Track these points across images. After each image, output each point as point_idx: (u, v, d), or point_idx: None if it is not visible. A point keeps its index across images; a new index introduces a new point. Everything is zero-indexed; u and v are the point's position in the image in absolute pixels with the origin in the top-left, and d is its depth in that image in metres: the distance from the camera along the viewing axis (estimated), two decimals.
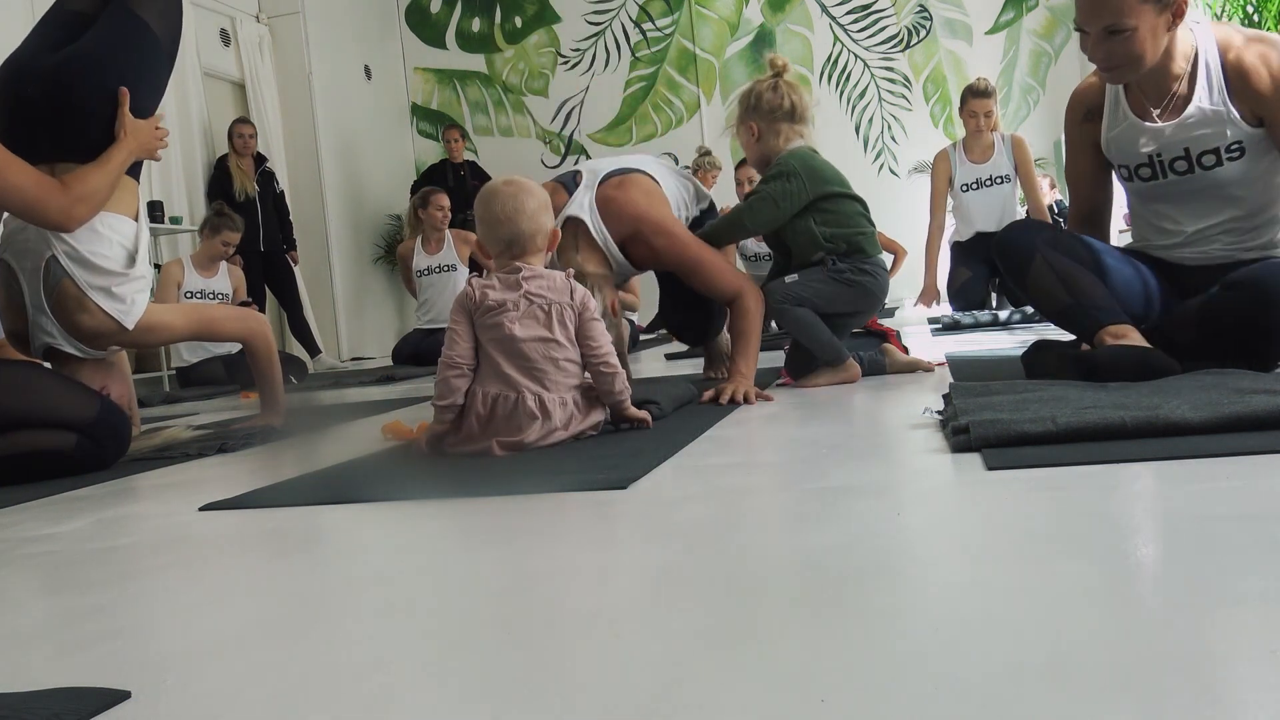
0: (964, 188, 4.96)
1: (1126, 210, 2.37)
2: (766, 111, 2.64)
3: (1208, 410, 1.39)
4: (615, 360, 1.94)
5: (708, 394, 2.36)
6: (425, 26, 9.50)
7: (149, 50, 2.41)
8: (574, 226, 2.51)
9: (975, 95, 4.85)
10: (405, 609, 0.94)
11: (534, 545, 1.15)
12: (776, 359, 2.91)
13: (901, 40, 8.72)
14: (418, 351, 5.78)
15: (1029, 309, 4.02)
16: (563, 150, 9.27)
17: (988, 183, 4.91)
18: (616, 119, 9.20)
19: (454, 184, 7.66)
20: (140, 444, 2.38)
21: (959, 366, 2.65)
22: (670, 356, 4.50)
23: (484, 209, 1.96)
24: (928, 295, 5.05)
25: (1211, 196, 2.10)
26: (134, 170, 2.44)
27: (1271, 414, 1.35)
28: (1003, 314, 4.39)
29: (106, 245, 2.33)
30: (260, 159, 6.83)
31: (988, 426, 1.44)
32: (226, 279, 5.46)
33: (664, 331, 7.01)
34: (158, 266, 5.32)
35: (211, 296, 5.31)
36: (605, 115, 9.22)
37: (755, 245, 5.18)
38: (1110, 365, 1.88)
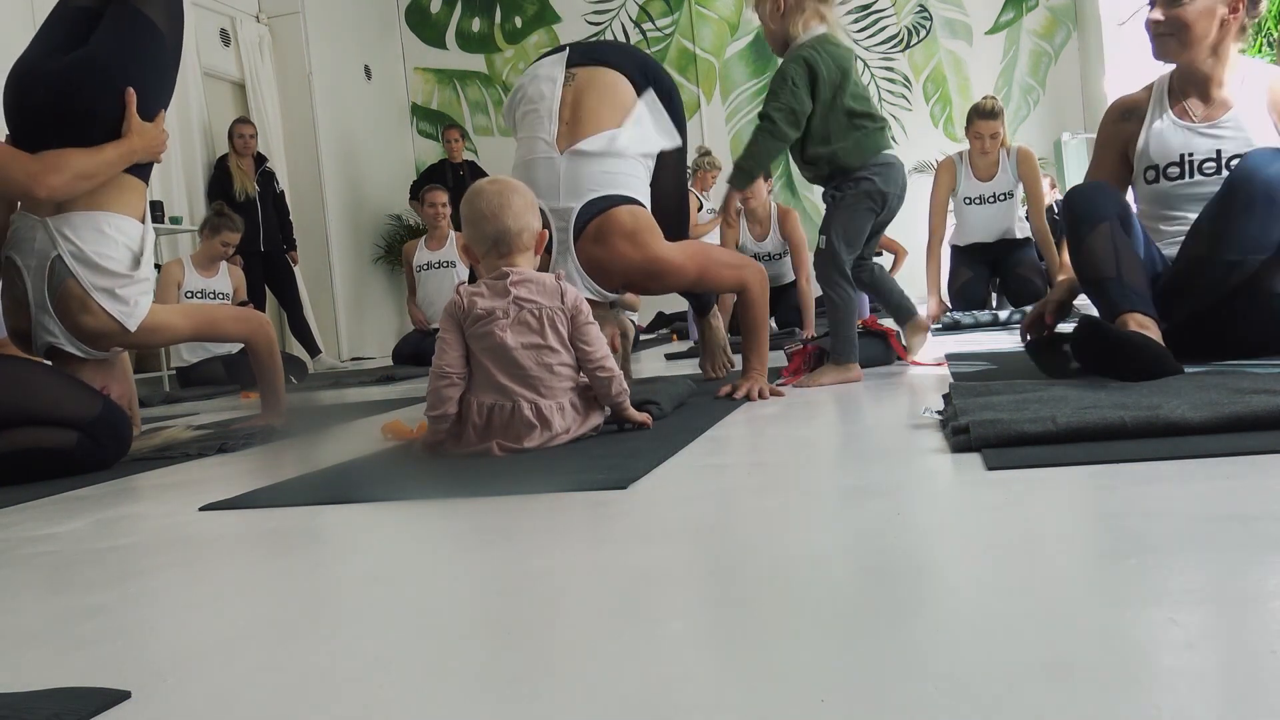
0: (966, 200, 4.91)
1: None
2: None
3: (1208, 410, 1.39)
4: (612, 363, 1.92)
5: (724, 389, 2.41)
6: (425, 26, 9.50)
7: (156, 50, 2.40)
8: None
9: (981, 116, 4.67)
10: (405, 609, 0.94)
11: (533, 545, 1.15)
12: (776, 360, 2.91)
13: (901, 40, 8.72)
14: (418, 351, 5.80)
15: (1029, 309, 4.00)
16: None
17: (990, 199, 4.87)
18: None
19: (454, 184, 7.65)
20: (140, 444, 2.37)
21: (959, 367, 2.65)
22: (670, 356, 4.50)
23: (469, 207, 1.93)
24: (935, 312, 4.95)
25: None
26: (142, 173, 2.43)
27: (1271, 414, 1.35)
28: (1003, 314, 4.39)
29: (112, 246, 2.33)
30: (260, 159, 6.83)
31: (988, 426, 1.44)
32: (226, 279, 5.46)
33: (664, 331, 7.04)
34: (158, 267, 5.32)
35: (212, 296, 5.32)
36: None
37: (755, 245, 5.18)
38: (1128, 345, 1.89)
